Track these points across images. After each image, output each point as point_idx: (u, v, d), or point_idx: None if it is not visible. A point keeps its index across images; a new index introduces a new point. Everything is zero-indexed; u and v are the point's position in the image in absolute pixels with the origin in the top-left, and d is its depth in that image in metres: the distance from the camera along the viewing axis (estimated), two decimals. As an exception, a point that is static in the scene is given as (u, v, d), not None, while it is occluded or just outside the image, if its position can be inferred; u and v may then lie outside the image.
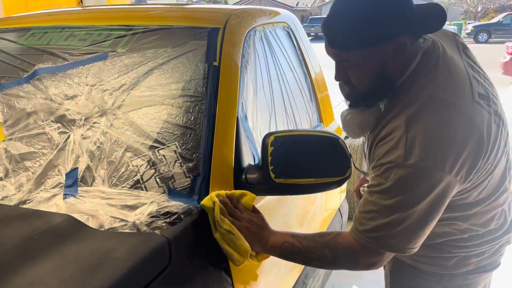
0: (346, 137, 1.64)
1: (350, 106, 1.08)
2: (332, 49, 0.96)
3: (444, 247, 1.06)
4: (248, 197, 1.03)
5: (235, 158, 1.13)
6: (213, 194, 0.99)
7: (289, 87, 1.65)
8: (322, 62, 2.12)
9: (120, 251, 0.80)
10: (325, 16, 1.01)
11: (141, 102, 1.14)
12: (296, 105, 1.69)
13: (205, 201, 0.97)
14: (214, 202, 0.96)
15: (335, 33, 0.94)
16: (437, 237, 1.04)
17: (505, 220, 1.08)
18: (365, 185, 1.27)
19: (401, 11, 0.92)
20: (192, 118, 1.11)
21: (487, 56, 13.68)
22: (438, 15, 0.95)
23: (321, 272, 1.78)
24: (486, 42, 19.79)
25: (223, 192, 1.01)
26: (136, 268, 0.78)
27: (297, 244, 1.00)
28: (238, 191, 1.04)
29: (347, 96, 1.07)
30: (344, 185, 2.23)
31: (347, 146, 1.13)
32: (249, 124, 1.27)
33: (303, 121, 1.74)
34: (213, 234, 0.97)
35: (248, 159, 1.18)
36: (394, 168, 0.89)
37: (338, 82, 1.05)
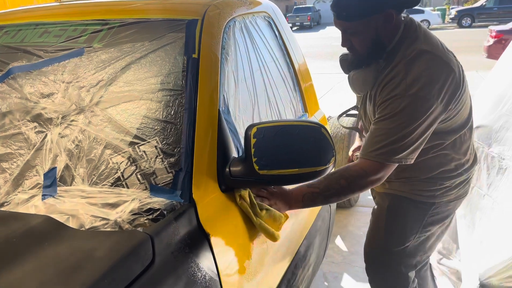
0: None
1: (353, 67, 1.42)
2: (339, 21, 1.32)
3: (437, 180, 1.40)
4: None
5: (218, 152, 1.12)
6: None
7: (272, 78, 1.64)
8: (306, 52, 2.12)
9: (101, 250, 0.79)
10: (310, 5, 1.16)
11: (119, 98, 1.12)
12: (280, 96, 1.68)
13: (242, 193, 1.10)
14: (241, 196, 1.10)
15: (342, 8, 1.29)
16: (433, 170, 1.38)
17: (475, 155, 1.47)
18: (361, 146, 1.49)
19: None
20: (172, 112, 1.09)
21: (471, 40, 13.79)
22: None
23: (311, 261, 1.78)
24: (470, 26, 19.93)
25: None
26: (118, 267, 0.76)
27: (315, 190, 1.24)
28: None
29: (349, 62, 1.43)
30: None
31: (331, 135, 1.12)
32: (231, 116, 1.25)
33: (287, 111, 1.73)
34: (253, 221, 1.10)
35: (231, 152, 1.17)
36: (398, 99, 1.22)
37: (340, 59, 1.49)
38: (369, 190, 1.51)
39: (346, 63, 1.46)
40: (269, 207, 1.15)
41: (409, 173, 1.41)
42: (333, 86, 8.36)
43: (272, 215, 1.15)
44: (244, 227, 1.16)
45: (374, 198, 1.67)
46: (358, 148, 1.78)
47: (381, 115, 1.26)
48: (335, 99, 7.03)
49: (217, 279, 0.98)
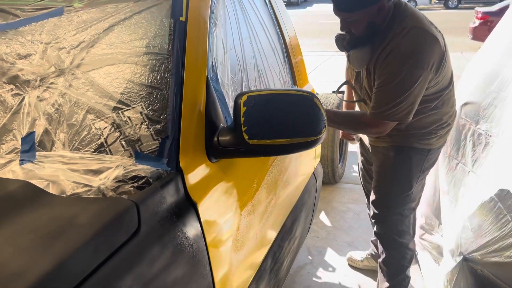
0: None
1: (350, 47, 1.61)
2: (340, 12, 1.51)
3: (432, 131, 1.68)
4: None
5: (206, 120, 1.08)
6: None
7: (262, 48, 1.59)
8: (297, 29, 2.08)
9: (83, 217, 0.75)
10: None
11: (102, 61, 1.06)
12: (270, 67, 1.64)
13: None
14: None
15: (341, 2, 1.48)
16: (430, 125, 1.66)
17: (454, 110, 1.74)
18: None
19: None
20: (158, 77, 1.04)
21: (457, 22, 13.83)
22: None
23: (297, 234, 1.78)
24: (456, 7, 19.95)
25: None
26: (102, 235, 0.73)
27: (335, 119, 1.67)
28: None
29: (347, 43, 1.61)
30: (318, 151, 2.22)
31: (322, 105, 1.09)
32: (220, 84, 1.21)
33: (276, 83, 1.69)
34: None
35: (220, 121, 1.13)
36: (394, 70, 1.47)
37: (336, 38, 1.69)
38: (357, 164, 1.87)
39: (343, 43, 1.65)
40: None
41: (411, 129, 1.68)
42: (319, 64, 8.30)
43: None
44: (232, 198, 1.13)
45: (374, 154, 1.86)
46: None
47: (382, 83, 1.51)
48: (321, 76, 6.98)
49: (205, 249, 0.96)
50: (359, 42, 1.56)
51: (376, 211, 1.88)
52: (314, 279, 2.25)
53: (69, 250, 0.67)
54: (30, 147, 0.93)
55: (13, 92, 1.03)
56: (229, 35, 1.33)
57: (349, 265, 2.36)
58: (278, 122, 1.05)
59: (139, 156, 0.94)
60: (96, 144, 0.95)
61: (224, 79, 1.24)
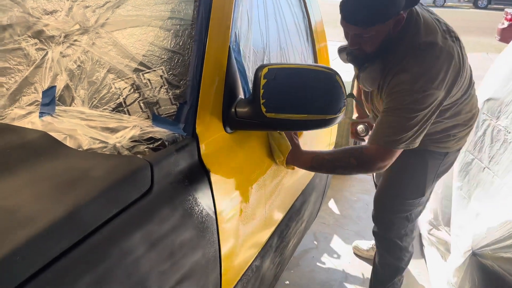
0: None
1: (358, 66, 1.44)
2: (352, 26, 1.26)
3: (450, 134, 1.53)
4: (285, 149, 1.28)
5: (225, 90, 1.07)
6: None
7: (286, 27, 1.57)
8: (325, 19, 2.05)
9: (98, 171, 0.76)
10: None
11: (126, 22, 1.06)
12: (292, 46, 1.61)
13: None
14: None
15: (358, 14, 1.23)
16: (447, 130, 1.52)
17: (475, 110, 1.57)
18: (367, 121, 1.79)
19: None
20: (181, 42, 1.03)
21: (486, 22, 13.46)
22: None
23: (305, 217, 1.78)
24: (485, 8, 19.40)
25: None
26: (114, 189, 0.73)
27: (326, 157, 1.32)
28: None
29: (354, 58, 1.42)
30: (333, 138, 2.20)
31: (344, 83, 1.08)
32: (241, 56, 1.20)
33: (298, 62, 1.67)
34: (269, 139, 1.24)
35: (239, 93, 1.12)
36: (404, 93, 1.26)
37: (339, 50, 1.58)
38: None
39: (349, 57, 1.46)
40: (282, 134, 1.27)
41: (426, 134, 1.48)
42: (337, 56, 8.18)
43: (279, 140, 1.26)
44: (244, 170, 1.13)
45: None
46: (356, 120, 1.88)
47: (389, 106, 1.31)
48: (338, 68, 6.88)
49: (214, 216, 0.96)
50: (370, 60, 1.37)
51: (379, 213, 1.79)
52: (318, 264, 2.26)
53: (82, 200, 0.68)
54: (50, 101, 0.94)
55: (37, 47, 1.04)
56: (255, 8, 1.31)
57: (354, 253, 2.36)
58: (297, 96, 1.04)
59: (157, 119, 0.94)
60: (115, 103, 0.95)
61: (246, 51, 1.23)
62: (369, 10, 1.21)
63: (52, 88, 0.96)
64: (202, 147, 0.96)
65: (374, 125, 1.39)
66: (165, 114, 0.96)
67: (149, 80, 0.98)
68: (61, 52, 1.02)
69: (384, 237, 1.80)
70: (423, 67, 1.26)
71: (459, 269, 1.60)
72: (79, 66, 0.99)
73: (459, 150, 1.64)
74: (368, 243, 2.36)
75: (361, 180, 3.25)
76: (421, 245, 2.42)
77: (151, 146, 0.88)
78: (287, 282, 2.10)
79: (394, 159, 1.33)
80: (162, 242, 0.79)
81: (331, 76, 1.06)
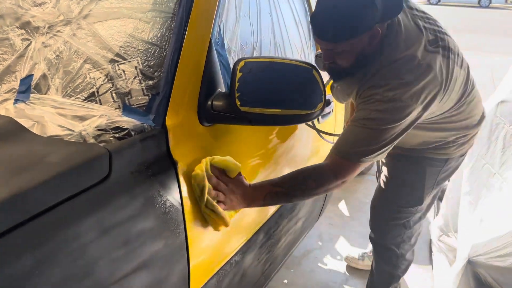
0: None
1: (334, 80, 1.36)
2: (323, 41, 1.18)
3: (450, 142, 1.45)
4: (232, 171, 1.10)
5: (202, 83, 1.07)
6: (203, 168, 1.00)
7: (283, 21, 1.55)
8: None
9: (55, 156, 0.78)
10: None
11: (108, 14, 1.08)
12: (290, 41, 1.59)
13: (197, 173, 0.99)
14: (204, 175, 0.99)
15: (327, 28, 1.14)
16: (448, 138, 1.44)
17: (475, 116, 1.47)
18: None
19: (373, 4, 1.11)
20: (159, 35, 1.04)
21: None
22: (396, 1, 1.15)
23: (300, 215, 1.76)
24: None
25: (208, 160, 1.03)
26: (68, 174, 0.75)
27: (279, 190, 1.15)
28: (225, 162, 1.08)
29: (330, 70, 1.31)
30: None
31: (322, 78, 1.05)
32: (225, 50, 1.19)
33: (296, 58, 1.64)
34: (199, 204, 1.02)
35: (218, 86, 1.12)
36: (377, 104, 1.17)
37: (316, 57, 1.51)
38: None
39: (325, 68, 1.34)
40: (214, 208, 1.02)
41: (423, 144, 1.47)
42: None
43: (216, 213, 1.03)
44: (227, 173, 1.12)
45: (384, 158, 1.60)
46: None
47: (357, 116, 1.21)
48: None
49: (180, 208, 0.96)
50: (344, 74, 1.27)
51: (375, 220, 1.74)
52: (319, 264, 2.22)
53: (33, 183, 0.70)
54: (26, 89, 0.97)
55: (23, 37, 1.08)
56: (245, 2, 1.30)
57: (348, 264, 2.23)
58: (272, 91, 1.02)
59: (127, 109, 0.96)
60: (87, 93, 0.97)
61: (231, 45, 1.23)
62: (338, 25, 1.12)
63: (29, 76, 0.99)
64: (172, 139, 0.96)
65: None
66: (136, 104, 0.97)
67: (123, 71, 1.00)
68: (43, 42, 1.05)
69: (380, 243, 1.75)
70: (398, 80, 1.17)
71: (456, 277, 1.53)
72: (57, 56, 1.02)
73: (463, 155, 1.56)
74: (360, 251, 2.26)
75: (375, 183, 3.17)
76: (430, 251, 2.33)
77: (117, 135, 0.89)
78: (286, 281, 2.08)
79: (356, 173, 1.22)
80: (117, 229, 0.80)
81: (308, 71, 1.04)
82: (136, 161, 0.87)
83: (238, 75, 1.02)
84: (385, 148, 1.20)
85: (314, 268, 2.19)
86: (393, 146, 1.23)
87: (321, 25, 1.16)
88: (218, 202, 1.04)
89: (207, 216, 1.03)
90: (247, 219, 1.30)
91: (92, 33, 1.05)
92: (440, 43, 1.24)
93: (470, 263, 1.37)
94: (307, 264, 2.21)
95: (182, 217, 0.97)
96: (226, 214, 1.05)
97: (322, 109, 1.06)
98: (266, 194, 1.14)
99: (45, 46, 1.04)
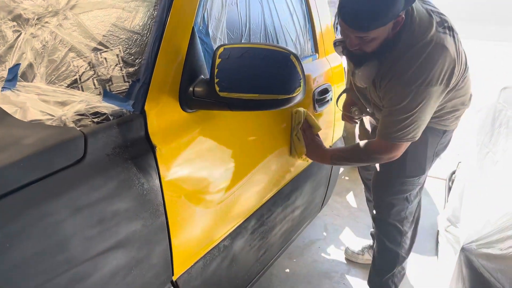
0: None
1: (356, 65, 1.43)
2: (355, 30, 1.26)
3: (451, 114, 1.55)
4: (316, 128, 1.58)
5: (184, 70, 1.09)
6: (302, 110, 1.52)
7: (275, 9, 1.55)
8: None
9: (30, 139, 0.82)
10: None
11: (93, 4, 1.11)
12: (283, 29, 1.60)
13: (300, 109, 1.54)
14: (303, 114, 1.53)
15: (361, 18, 1.22)
16: (449, 113, 1.54)
17: (470, 91, 1.58)
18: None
19: None
20: (141, 23, 1.07)
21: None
22: None
23: (298, 204, 1.77)
24: None
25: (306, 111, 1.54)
26: (41, 155, 0.79)
27: (342, 154, 1.57)
28: (314, 120, 1.57)
29: (352, 56, 1.42)
30: (340, 131, 2.13)
31: (301, 64, 1.06)
32: (210, 38, 1.21)
33: (290, 47, 1.64)
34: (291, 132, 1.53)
35: (201, 73, 1.14)
36: (404, 91, 1.31)
37: (335, 43, 1.50)
38: None
39: (346, 53, 1.46)
40: (300, 137, 1.54)
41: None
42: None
43: (296, 142, 1.55)
44: (204, 150, 1.15)
45: None
46: (348, 106, 1.86)
47: (389, 105, 1.38)
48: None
49: (159, 191, 0.99)
50: (368, 59, 1.38)
51: (379, 196, 1.76)
52: (322, 254, 2.22)
53: (5, 162, 0.74)
54: (13, 77, 1.02)
55: (14, 29, 1.13)
56: (232, -10, 1.32)
57: (346, 258, 2.22)
58: (249, 76, 1.04)
59: (107, 95, 0.99)
60: (70, 80, 1.01)
61: (217, 33, 1.24)
62: (371, 13, 1.21)
63: (16, 65, 1.04)
64: (150, 123, 0.99)
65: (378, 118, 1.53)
66: (117, 91, 1.00)
67: (105, 58, 1.03)
68: (32, 33, 1.10)
69: (385, 220, 1.77)
70: (420, 65, 1.28)
71: (453, 265, 1.51)
72: (44, 45, 1.06)
73: (453, 130, 1.65)
74: (362, 243, 2.25)
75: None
76: (437, 242, 2.30)
77: (96, 120, 0.93)
78: (287, 270, 2.10)
79: (402, 150, 1.43)
80: (91, 208, 0.84)
81: (286, 56, 1.04)
82: (113, 144, 0.91)
83: (217, 61, 1.04)
84: (419, 126, 1.37)
85: (317, 258, 2.20)
86: (424, 125, 1.39)
87: (353, 14, 1.23)
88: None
89: (293, 143, 1.55)
90: (236, 205, 1.32)
91: (77, 23, 1.09)
92: (445, 25, 1.35)
93: (463, 251, 1.35)
94: (310, 254, 2.22)
95: (162, 200, 1.00)
96: (302, 147, 1.55)
97: (302, 94, 1.07)
98: (333, 154, 1.54)
99: (33, 37, 1.09)
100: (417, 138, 1.41)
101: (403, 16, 1.27)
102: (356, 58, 1.42)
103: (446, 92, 1.37)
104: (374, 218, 1.83)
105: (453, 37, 1.34)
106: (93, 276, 0.85)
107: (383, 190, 1.73)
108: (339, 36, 1.59)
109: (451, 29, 1.35)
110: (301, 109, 1.52)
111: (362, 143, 1.51)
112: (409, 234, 1.77)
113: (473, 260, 1.26)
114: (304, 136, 1.54)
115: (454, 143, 1.70)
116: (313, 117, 1.57)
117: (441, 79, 1.31)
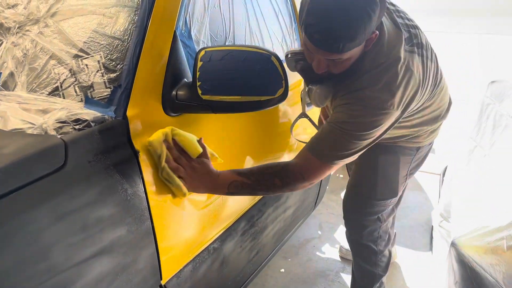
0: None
1: (313, 84, 1.27)
2: (326, 52, 1.05)
3: (421, 131, 1.43)
4: (193, 151, 1.11)
5: (167, 74, 1.09)
6: (161, 135, 1.02)
7: (260, 10, 1.56)
8: None
9: (10, 148, 0.82)
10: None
11: (73, 11, 1.11)
12: (268, 31, 1.60)
13: (154, 139, 1.01)
14: (161, 144, 1.03)
15: (332, 38, 1.02)
16: (418, 127, 1.40)
17: (444, 105, 1.45)
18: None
19: (376, 6, 1.01)
20: (122, 29, 1.07)
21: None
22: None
23: (289, 203, 1.77)
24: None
25: (169, 129, 1.05)
26: (20, 164, 0.78)
27: (245, 181, 1.14)
28: (186, 139, 1.09)
29: (310, 76, 1.22)
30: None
31: (283, 64, 1.06)
32: (193, 42, 1.21)
33: (277, 48, 1.65)
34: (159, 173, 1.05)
35: (184, 77, 1.14)
36: (357, 108, 1.14)
37: (288, 57, 1.26)
38: None
39: (301, 71, 1.23)
40: (170, 179, 1.04)
41: (397, 136, 1.44)
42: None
43: (172, 183, 1.05)
44: (187, 152, 1.15)
45: None
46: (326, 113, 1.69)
47: (337, 118, 1.17)
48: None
49: (144, 195, 0.99)
50: (329, 78, 1.19)
51: (349, 216, 1.68)
52: (317, 253, 2.23)
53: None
54: (-5, 87, 1.02)
55: (-5, 38, 1.13)
56: (214, -8, 1.32)
57: (341, 257, 2.22)
58: (231, 78, 1.04)
59: (89, 102, 0.99)
60: (51, 88, 1.01)
61: (200, 36, 1.25)
62: (347, 32, 1.00)
63: (-2, 74, 1.04)
64: (133, 129, 0.99)
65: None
66: (98, 97, 1.00)
67: (86, 65, 1.03)
68: (13, 42, 1.10)
69: (357, 241, 1.70)
70: (382, 87, 1.13)
71: (444, 259, 1.51)
72: (25, 54, 1.06)
73: (431, 143, 1.55)
74: None
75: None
76: (431, 237, 2.31)
77: (77, 127, 0.93)
78: (282, 270, 2.10)
79: (326, 174, 1.19)
80: (73, 215, 0.84)
81: (267, 58, 1.04)
82: (94, 151, 0.91)
83: (199, 64, 1.05)
84: (361, 151, 1.20)
85: (312, 257, 2.20)
86: (365, 149, 1.21)
87: (326, 35, 1.02)
88: (179, 177, 1.07)
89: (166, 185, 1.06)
90: (225, 207, 1.32)
91: (58, 30, 1.09)
92: (414, 41, 1.22)
93: (454, 245, 1.35)
94: (305, 253, 2.22)
95: (147, 204, 1.00)
96: (180, 189, 1.07)
97: (284, 96, 1.07)
98: (231, 183, 1.13)
99: (15, 45, 1.09)
100: (350, 160, 1.21)
101: (377, 32, 1.10)
102: (314, 77, 1.21)
103: (402, 117, 1.23)
104: (347, 237, 1.78)
105: (421, 55, 1.22)
106: (78, 283, 0.85)
107: (353, 211, 1.66)
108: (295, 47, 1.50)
109: (419, 45, 1.23)
110: (159, 135, 1.02)
111: (274, 165, 1.19)
112: (386, 252, 1.72)
113: (463, 254, 1.26)
114: (177, 167, 1.07)
115: (448, 138, 1.67)
116: (185, 134, 1.09)
117: (402, 103, 1.17)
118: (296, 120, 1.53)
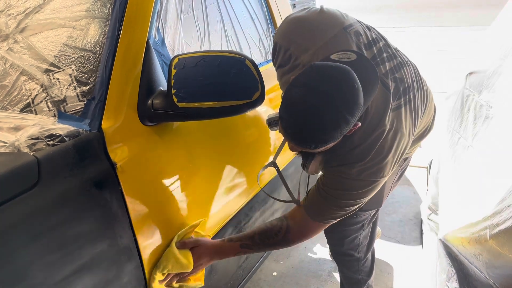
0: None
1: (305, 159, 1.23)
2: (300, 147, 1.01)
3: (411, 148, 1.37)
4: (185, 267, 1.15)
5: (141, 83, 1.08)
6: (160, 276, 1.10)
7: (235, 15, 1.55)
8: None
9: (-19, 168, 0.80)
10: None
11: (42, 26, 1.10)
12: (245, 35, 1.60)
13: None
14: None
15: (306, 138, 0.95)
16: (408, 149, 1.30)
17: (432, 115, 1.43)
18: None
19: (356, 110, 0.94)
20: (93, 41, 1.06)
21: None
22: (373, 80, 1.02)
23: (277, 207, 1.76)
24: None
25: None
26: (-9, 184, 0.77)
27: (248, 251, 1.27)
28: (180, 261, 1.13)
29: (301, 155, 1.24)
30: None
31: (258, 67, 1.06)
32: (167, 49, 1.20)
33: (254, 51, 1.65)
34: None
35: (159, 85, 1.13)
36: (352, 180, 1.15)
37: (270, 122, 1.34)
38: None
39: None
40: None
41: None
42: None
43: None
44: (169, 162, 1.14)
45: None
46: None
47: (329, 184, 1.19)
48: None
49: (124, 209, 0.98)
50: (317, 153, 1.20)
51: (330, 227, 1.48)
52: (309, 254, 2.22)
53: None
54: (-36, 107, 1.00)
55: (-36, 57, 1.10)
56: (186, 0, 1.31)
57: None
58: (206, 84, 1.03)
59: (62, 116, 0.97)
60: (23, 104, 0.99)
61: (174, 44, 1.24)
62: (320, 137, 0.94)
63: (-33, 94, 1.02)
64: (109, 141, 0.98)
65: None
66: (72, 111, 0.99)
67: (58, 79, 1.02)
68: (-18, 60, 1.07)
69: (339, 251, 1.68)
70: (371, 159, 1.13)
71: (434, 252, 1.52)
72: (-6, 71, 1.04)
73: (413, 152, 1.54)
74: None
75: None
76: (421, 231, 2.32)
77: (51, 142, 0.91)
78: (275, 273, 2.09)
79: (318, 231, 1.30)
80: (49, 232, 0.82)
81: (241, 62, 1.04)
82: (70, 166, 0.89)
83: (173, 72, 1.03)
84: (356, 210, 1.24)
85: (304, 258, 2.19)
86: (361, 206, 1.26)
87: (298, 132, 0.95)
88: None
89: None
90: (209, 215, 1.31)
91: (27, 46, 1.07)
92: (401, 88, 1.17)
93: (440, 238, 1.35)
94: (297, 255, 2.21)
95: (127, 217, 0.99)
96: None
97: (261, 100, 1.06)
98: (236, 253, 1.27)
99: (-16, 64, 1.07)
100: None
101: (359, 123, 1.03)
102: (306, 156, 1.22)
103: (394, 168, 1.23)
104: (329, 249, 1.76)
105: (409, 102, 1.18)
106: (59, 302, 0.83)
107: (338, 223, 1.50)
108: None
109: (406, 90, 1.18)
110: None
111: (273, 230, 1.26)
112: (368, 256, 1.70)
113: (449, 246, 1.27)
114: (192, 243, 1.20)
115: (435, 132, 1.62)
116: (179, 256, 1.13)
117: (392, 166, 1.18)
118: (264, 168, 1.48)
